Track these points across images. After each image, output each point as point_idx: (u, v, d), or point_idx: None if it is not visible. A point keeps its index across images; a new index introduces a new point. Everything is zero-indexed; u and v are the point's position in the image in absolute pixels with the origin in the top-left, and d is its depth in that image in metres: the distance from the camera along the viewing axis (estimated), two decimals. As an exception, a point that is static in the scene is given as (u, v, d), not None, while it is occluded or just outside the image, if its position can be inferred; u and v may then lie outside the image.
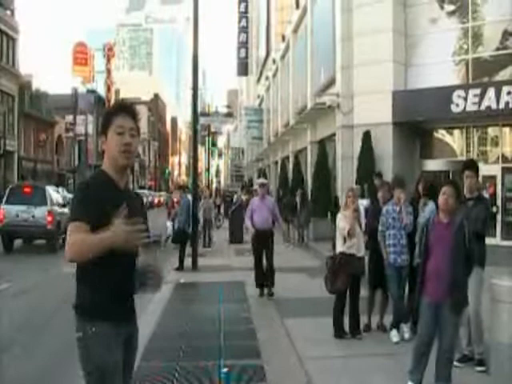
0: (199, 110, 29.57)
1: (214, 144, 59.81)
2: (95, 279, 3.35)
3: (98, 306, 3.37)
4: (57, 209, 21.90)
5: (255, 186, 20.99)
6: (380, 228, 8.48)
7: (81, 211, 3.34)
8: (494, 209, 19.76)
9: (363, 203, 11.74)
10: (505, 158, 21.02)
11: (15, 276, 14.86)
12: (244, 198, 30.34)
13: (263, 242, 12.33)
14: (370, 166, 21.04)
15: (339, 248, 8.66)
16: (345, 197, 9.08)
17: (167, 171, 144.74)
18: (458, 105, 20.00)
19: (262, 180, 14.28)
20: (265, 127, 54.58)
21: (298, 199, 23.79)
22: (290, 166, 35.41)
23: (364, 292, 9.09)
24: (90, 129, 60.64)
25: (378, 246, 8.58)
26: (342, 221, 8.65)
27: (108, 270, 3.34)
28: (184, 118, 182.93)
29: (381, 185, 9.90)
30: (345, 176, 22.59)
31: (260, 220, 12.29)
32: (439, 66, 21.76)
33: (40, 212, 21.01)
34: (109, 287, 3.38)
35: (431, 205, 8.16)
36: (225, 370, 6.89)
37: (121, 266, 3.42)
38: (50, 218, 21.03)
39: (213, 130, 44.64)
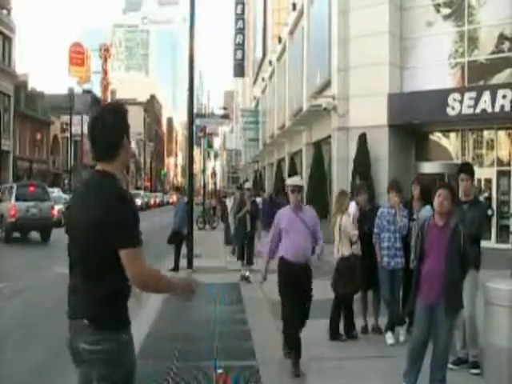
0: (195, 111, 29.59)
1: (210, 145, 59.74)
2: (120, 287, 3.34)
3: (126, 313, 3.43)
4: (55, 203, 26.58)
5: (246, 185, 19.08)
6: (375, 230, 8.50)
7: (138, 234, 3.38)
8: (489, 212, 19.81)
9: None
10: (500, 162, 21.10)
11: (10, 276, 14.82)
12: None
13: (299, 284, 7.39)
14: (366, 168, 21.07)
15: (347, 250, 8.64)
16: (342, 200, 9.05)
17: (163, 172, 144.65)
18: (453, 108, 20.07)
19: (295, 179, 8.44)
20: (261, 129, 54.61)
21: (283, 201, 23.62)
22: (286, 168, 35.41)
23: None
24: (86, 129, 60.53)
25: (368, 248, 8.61)
26: (350, 225, 8.65)
27: (124, 276, 3.31)
28: (180, 119, 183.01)
29: (359, 188, 9.87)
30: (340, 178, 22.59)
31: (295, 247, 7.33)
32: (435, 69, 21.83)
33: (46, 206, 24.53)
34: (127, 292, 3.42)
35: (427, 207, 8.16)
36: (219, 371, 6.90)
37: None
38: (53, 212, 25.23)
39: (209, 131, 44.51)
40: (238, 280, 14.23)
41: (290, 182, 8.07)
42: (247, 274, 14.30)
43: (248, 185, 17.12)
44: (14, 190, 24.74)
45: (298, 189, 7.60)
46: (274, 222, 7.75)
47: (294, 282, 7.32)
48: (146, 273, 3.33)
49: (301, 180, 8.69)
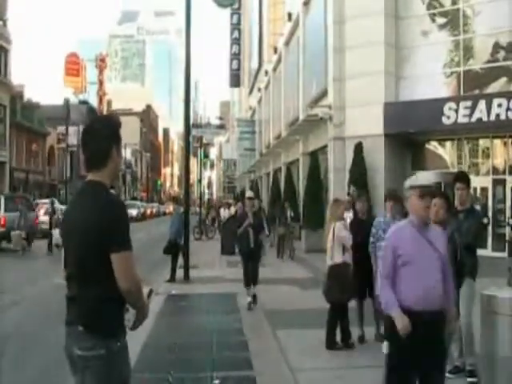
0: (191, 121, 29.63)
1: (206, 155, 59.86)
2: (114, 294, 3.35)
3: (121, 321, 3.45)
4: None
5: (248, 194, 15.47)
6: (371, 240, 8.50)
7: (130, 239, 3.42)
8: (485, 220, 19.82)
9: (350, 216, 11.39)
10: (496, 170, 21.13)
11: (5, 287, 14.77)
12: (233, 209, 30.00)
13: (427, 346, 4.71)
14: (362, 177, 21.08)
15: (339, 258, 8.63)
16: (335, 208, 9.05)
17: (159, 182, 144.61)
18: (449, 117, 20.11)
19: (422, 177, 5.29)
20: (257, 139, 54.65)
21: (277, 211, 23.64)
22: (282, 178, 35.44)
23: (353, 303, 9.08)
24: (82, 140, 60.25)
25: (363, 256, 8.61)
26: (344, 231, 8.64)
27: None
28: (176, 129, 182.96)
29: (358, 196, 9.87)
30: (336, 188, 22.58)
31: (425, 287, 4.72)
32: (430, 78, 21.88)
33: (31, 217, 26.91)
34: (122, 300, 3.42)
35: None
36: (216, 381, 6.88)
37: None
38: (37, 222, 28.28)
39: (205, 141, 44.64)
40: (246, 309, 11.85)
41: (413, 181, 5.20)
42: (249, 299, 12.10)
43: (250, 193, 14.54)
44: (2, 202, 26.57)
45: (428, 192, 4.95)
46: (384, 249, 5.15)
47: (419, 343, 4.61)
48: (136, 279, 3.39)
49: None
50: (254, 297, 12.23)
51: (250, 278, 12.24)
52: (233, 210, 30.54)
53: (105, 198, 3.47)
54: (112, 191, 3.63)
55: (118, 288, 3.33)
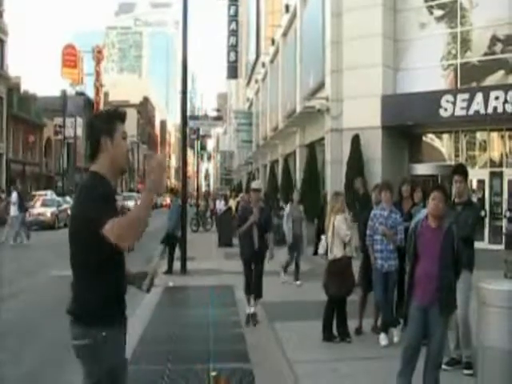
0: (188, 113, 29.60)
1: (203, 147, 59.74)
2: (101, 285, 3.39)
3: (107, 311, 3.43)
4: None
5: (254, 185, 11.89)
6: (368, 232, 8.49)
7: (108, 210, 3.30)
8: (482, 213, 19.85)
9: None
10: (493, 163, 21.15)
11: (2, 279, 14.75)
12: (233, 203, 29.97)
13: None
14: (359, 170, 21.06)
15: (340, 251, 8.61)
16: (334, 201, 9.03)
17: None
18: (446, 109, 20.10)
19: None
20: (254, 131, 54.63)
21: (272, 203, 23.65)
22: (280, 170, 35.42)
23: (354, 295, 9.08)
24: (79, 131, 60.30)
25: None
26: (344, 224, 8.62)
27: (111, 275, 3.42)
28: (173, 121, 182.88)
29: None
30: (334, 180, 22.59)
31: None
32: (428, 70, 21.87)
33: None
34: (113, 291, 3.46)
35: (424, 210, 8.15)
36: (213, 374, 6.89)
37: (120, 269, 3.55)
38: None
39: (202, 133, 44.54)
40: (245, 322, 9.85)
41: None
42: (252, 309, 10.04)
43: (257, 184, 11.68)
44: None
45: None
46: None
47: None
48: (129, 237, 3.28)
49: None
50: (253, 315, 10.01)
51: (253, 286, 10.12)
52: (232, 202, 30.47)
53: (83, 185, 3.58)
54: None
55: (105, 279, 3.37)
